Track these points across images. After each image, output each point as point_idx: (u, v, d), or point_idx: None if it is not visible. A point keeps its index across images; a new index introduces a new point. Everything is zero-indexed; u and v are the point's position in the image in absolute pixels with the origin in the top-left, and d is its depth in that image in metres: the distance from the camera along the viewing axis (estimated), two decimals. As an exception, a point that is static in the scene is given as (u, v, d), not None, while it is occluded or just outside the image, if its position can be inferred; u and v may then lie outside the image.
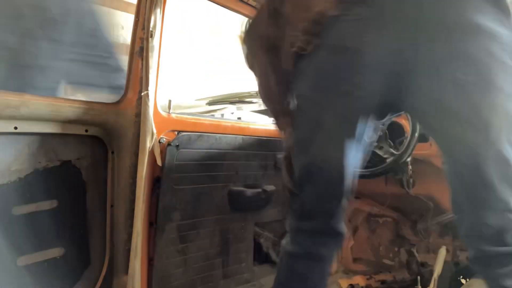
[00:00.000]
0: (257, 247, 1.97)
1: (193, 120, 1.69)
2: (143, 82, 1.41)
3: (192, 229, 1.70)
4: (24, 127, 1.21)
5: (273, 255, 1.95)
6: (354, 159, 0.99)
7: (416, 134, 1.77)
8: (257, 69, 1.13)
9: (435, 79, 0.86)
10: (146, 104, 1.41)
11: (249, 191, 1.80)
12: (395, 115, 1.19)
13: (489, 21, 0.82)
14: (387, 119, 1.86)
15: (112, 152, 1.45)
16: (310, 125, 1.00)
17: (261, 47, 1.08)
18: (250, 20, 1.15)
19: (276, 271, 1.11)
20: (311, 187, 1.02)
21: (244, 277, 1.88)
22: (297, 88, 1.02)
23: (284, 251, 1.08)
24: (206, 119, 1.79)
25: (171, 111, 1.58)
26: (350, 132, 0.96)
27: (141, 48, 1.42)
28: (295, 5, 0.96)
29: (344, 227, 1.06)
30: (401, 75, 0.89)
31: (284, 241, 1.10)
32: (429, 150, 1.95)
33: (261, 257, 1.99)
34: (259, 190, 1.82)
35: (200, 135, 1.64)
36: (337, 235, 1.06)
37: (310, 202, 1.03)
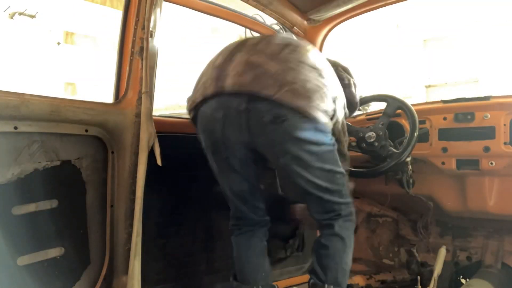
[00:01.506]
0: None
1: (172, 122, 1.70)
2: (143, 82, 1.42)
3: (172, 226, 1.73)
4: (24, 127, 1.22)
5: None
6: (251, 189, 1.50)
7: (416, 134, 1.77)
8: None
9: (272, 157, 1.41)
10: (146, 104, 1.41)
11: None
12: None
13: (305, 133, 1.31)
14: (386, 120, 1.87)
15: (112, 152, 1.45)
16: (213, 169, 1.50)
17: None
18: None
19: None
20: (230, 203, 1.55)
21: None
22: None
23: (235, 240, 1.58)
24: (187, 120, 1.81)
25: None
26: (239, 179, 1.47)
27: (141, 48, 1.42)
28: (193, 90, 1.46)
29: (265, 215, 1.58)
30: (255, 149, 1.39)
31: (233, 236, 1.58)
32: (429, 150, 1.95)
33: None
34: None
35: (177, 136, 1.67)
36: (263, 222, 1.58)
37: (234, 212, 1.56)
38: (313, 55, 1.37)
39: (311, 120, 1.30)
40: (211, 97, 1.35)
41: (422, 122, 1.91)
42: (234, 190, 1.50)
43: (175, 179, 1.72)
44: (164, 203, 1.71)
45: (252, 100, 1.29)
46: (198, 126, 1.45)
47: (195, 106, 1.42)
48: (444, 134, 1.92)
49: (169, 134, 1.63)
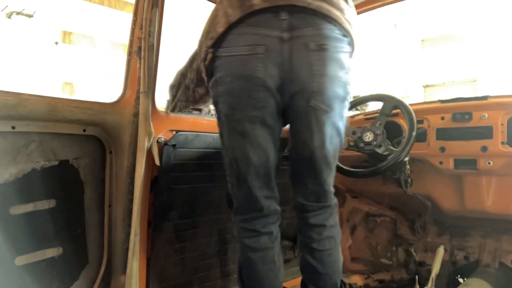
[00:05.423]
0: None
1: (191, 120, 1.69)
2: (141, 82, 1.41)
3: (190, 229, 1.71)
4: (21, 126, 1.21)
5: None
6: (275, 155, 1.30)
7: (414, 134, 1.77)
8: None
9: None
10: (144, 104, 1.41)
11: None
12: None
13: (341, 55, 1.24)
14: (384, 120, 1.87)
15: (110, 152, 1.45)
16: (234, 135, 1.26)
17: None
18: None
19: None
20: (239, 189, 1.31)
21: None
22: (219, 109, 1.28)
23: (242, 238, 1.35)
24: (205, 119, 1.79)
25: (169, 110, 1.59)
26: (267, 136, 1.25)
27: (139, 48, 1.42)
28: (204, 33, 1.28)
29: (277, 205, 1.36)
30: (280, 93, 1.22)
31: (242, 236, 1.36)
32: (426, 149, 1.95)
33: None
34: None
35: (197, 134, 1.64)
36: (274, 213, 1.35)
37: (245, 201, 1.32)
38: None
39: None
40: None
41: (420, 121, 1.92)
42: (254, 163, 1.25)
43: (193, 179, 1.69)
44: (183, 204, 1.67)
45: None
46: (224, 72, 1.23)
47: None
48: (442, 134, 1.92)
49: (188, 132, 1.61)
